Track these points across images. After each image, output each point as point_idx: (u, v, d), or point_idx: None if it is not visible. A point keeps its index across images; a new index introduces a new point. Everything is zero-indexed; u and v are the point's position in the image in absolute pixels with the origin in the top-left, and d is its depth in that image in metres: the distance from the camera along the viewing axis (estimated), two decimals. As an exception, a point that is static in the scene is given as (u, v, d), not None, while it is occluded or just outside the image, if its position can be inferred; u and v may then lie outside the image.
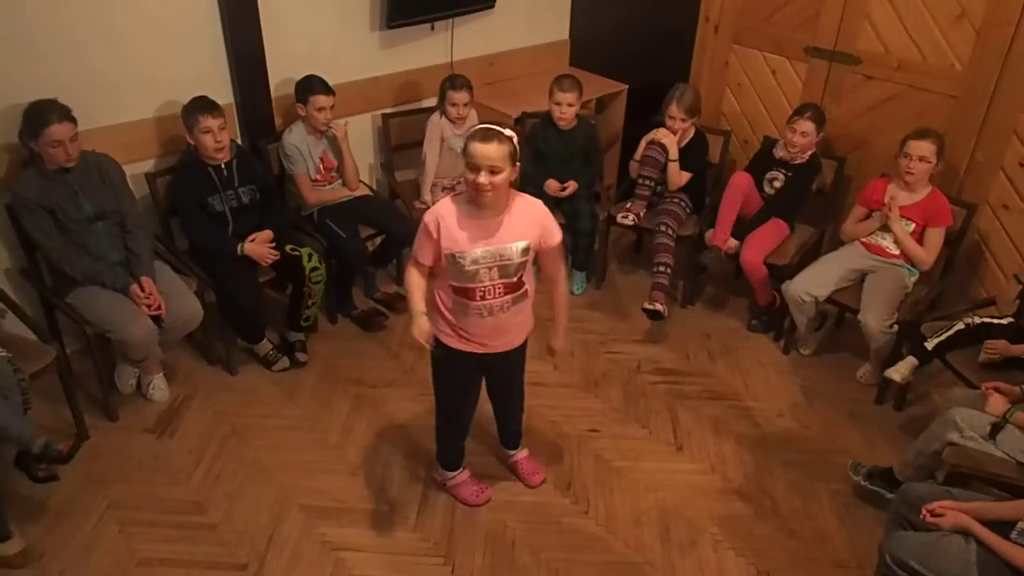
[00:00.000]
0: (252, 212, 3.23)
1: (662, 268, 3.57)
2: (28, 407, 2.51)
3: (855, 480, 2.79)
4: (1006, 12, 3.08)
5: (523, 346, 2.50)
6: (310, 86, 3.32)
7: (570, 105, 3.61)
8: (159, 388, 3.15)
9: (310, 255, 3.24)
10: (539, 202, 2.26)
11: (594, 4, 4.48)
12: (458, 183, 3.87)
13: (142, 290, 2.86)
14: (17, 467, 2.52)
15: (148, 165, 3.26)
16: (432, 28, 3.91)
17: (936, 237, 3.21)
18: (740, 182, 3.56)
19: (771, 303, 3.64)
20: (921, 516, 2.13)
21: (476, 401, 2.61)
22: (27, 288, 3.06)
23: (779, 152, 3.60)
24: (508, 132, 2.09)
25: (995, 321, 2.89)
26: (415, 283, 2.30)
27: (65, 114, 2.69)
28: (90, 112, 2.90)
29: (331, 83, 3.33)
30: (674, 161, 3.64)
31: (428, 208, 3.82)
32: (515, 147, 2.10)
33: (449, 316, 2.32)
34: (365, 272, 3.76)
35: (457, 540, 2.62)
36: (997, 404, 2.48)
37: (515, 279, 2.25)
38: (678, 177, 3.69)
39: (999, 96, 3.20)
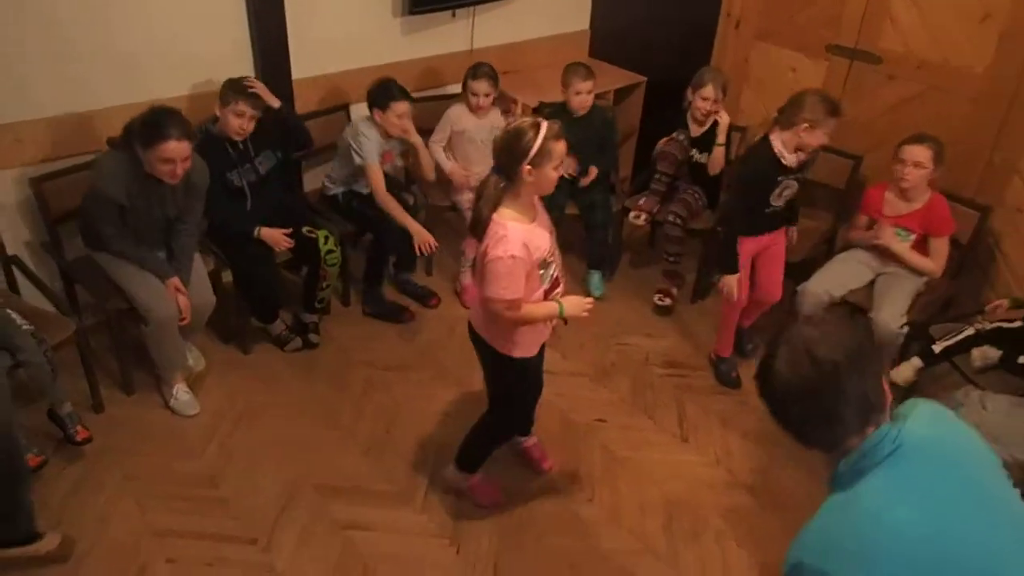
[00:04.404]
0: (271, 184, 3.25)
1: (671, 258, 3.60)
2: (56, 374, 2.60)
3: None
4: (1031, 16, 3.08)
5: None
6: (390, 92, 3.28)
7: (589, 92, 3.62)
8: (182, 399, 3.02)
9: (326, 238, 3.27)
10: None
11: (615, -5, 4.48)
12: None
13: (176, 288, 2.87)
14: (51, 420, 2.73)
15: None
16: (453, 15, 3.92)
17: (941, 246, 3.19)
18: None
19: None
20: None
21: None
22: (48, 262, 3.11)
23: (788, 158, 2.99)
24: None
25: (1007, 326, 2.90)
26: (527, 308, 2.21)
27: (184, 131, 2.56)
28: (109, 90, 2.92)
29: (353, 67, 3.37)
30: (721, 145, 3.58)
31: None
32: None
33: (531, 328, 2.32)
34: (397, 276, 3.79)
35: (464, 523, 2.66)
36: None
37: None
38: (722, 161, 3.63)
39: (1020, 99, 3.19)
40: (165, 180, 2.63)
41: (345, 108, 3.74)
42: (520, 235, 2.11)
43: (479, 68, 3.61)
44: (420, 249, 3.30)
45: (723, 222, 3.23)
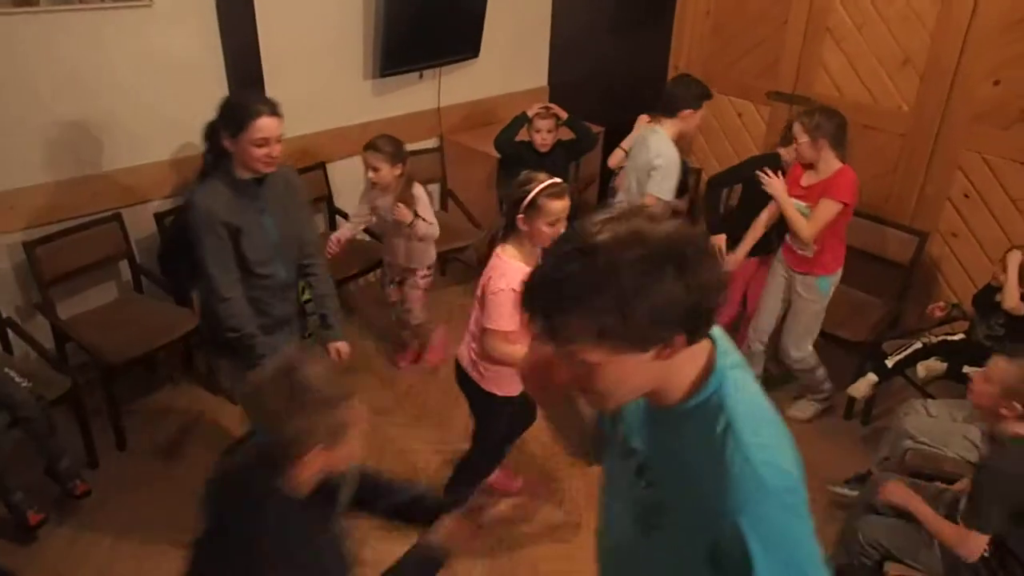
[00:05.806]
0: None
1: None
2: (54, 429, 2.68)
3: (838, 491, 2.97)
4: (946, 58, 3.41)
5: None
6: (702, 90, 3.09)
7: (549, 131, 3.79)
8: None
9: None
10: None
11: (570, 53, 4.78)
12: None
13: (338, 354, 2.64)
14: (48, 476, 2.76)
15: (153, 206, 3.42)
16: (420, 76, 4.16)
17: (824, 210, 2.90)
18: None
19: None
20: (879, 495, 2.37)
21: None
22: (39, 321, 3.18)
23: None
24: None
25: (950, 339, 3.15)
26: (510, 349, 2.28)
27: (274, 108, 2.29)
28: (93, 158, 3.05)
29: (328, 128, 3.51)
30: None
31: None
32: None
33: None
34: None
35: (458, 553, 2.75)
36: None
37: None
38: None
39: (943, 134, 3.51)
40: (261, 168, 2.32)
41: (322, 167, 3.92)
42: (519, 274, 2.20)
43: (371, 140, 3.25)
44: None
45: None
